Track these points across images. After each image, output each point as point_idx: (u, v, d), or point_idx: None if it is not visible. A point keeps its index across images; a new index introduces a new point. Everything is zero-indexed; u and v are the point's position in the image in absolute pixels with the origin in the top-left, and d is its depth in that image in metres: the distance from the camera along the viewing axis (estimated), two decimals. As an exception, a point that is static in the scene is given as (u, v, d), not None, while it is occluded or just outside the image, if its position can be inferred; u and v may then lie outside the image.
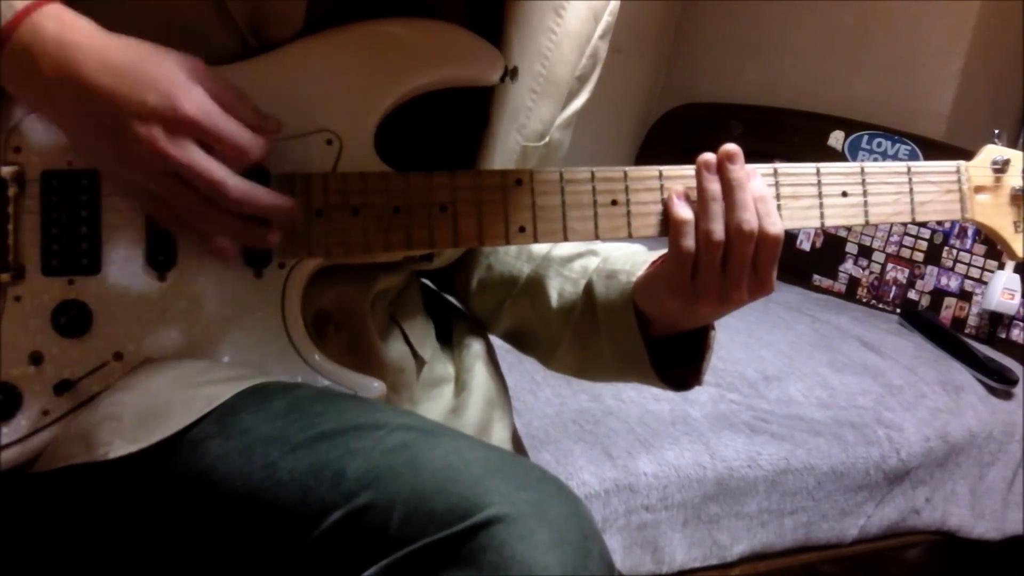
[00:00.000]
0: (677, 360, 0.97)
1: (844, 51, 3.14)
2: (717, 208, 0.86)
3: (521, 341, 1.10)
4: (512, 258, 1.06)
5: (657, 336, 0.95)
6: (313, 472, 0.73)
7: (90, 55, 0.76)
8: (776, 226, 0.87)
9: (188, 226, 0.82)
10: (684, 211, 0.87)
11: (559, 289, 1.02)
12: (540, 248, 1.05)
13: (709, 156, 0.88)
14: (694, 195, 0.88)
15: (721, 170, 0.87)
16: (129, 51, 0.78)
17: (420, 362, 1.03)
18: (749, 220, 0.86)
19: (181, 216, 0.81)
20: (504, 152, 0.97)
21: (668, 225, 0.88)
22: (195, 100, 0.77)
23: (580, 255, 1.03)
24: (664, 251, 0.92)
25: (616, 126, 3.48)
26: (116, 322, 0.84)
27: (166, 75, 0.77)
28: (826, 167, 0.92)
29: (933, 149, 2.77)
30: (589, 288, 0.98)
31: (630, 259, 0.97)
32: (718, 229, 0.86)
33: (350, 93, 0.87)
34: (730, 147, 0.87)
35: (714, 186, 0.87)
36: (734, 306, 0.88)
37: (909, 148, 2.82)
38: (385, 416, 0.78)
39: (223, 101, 0.79)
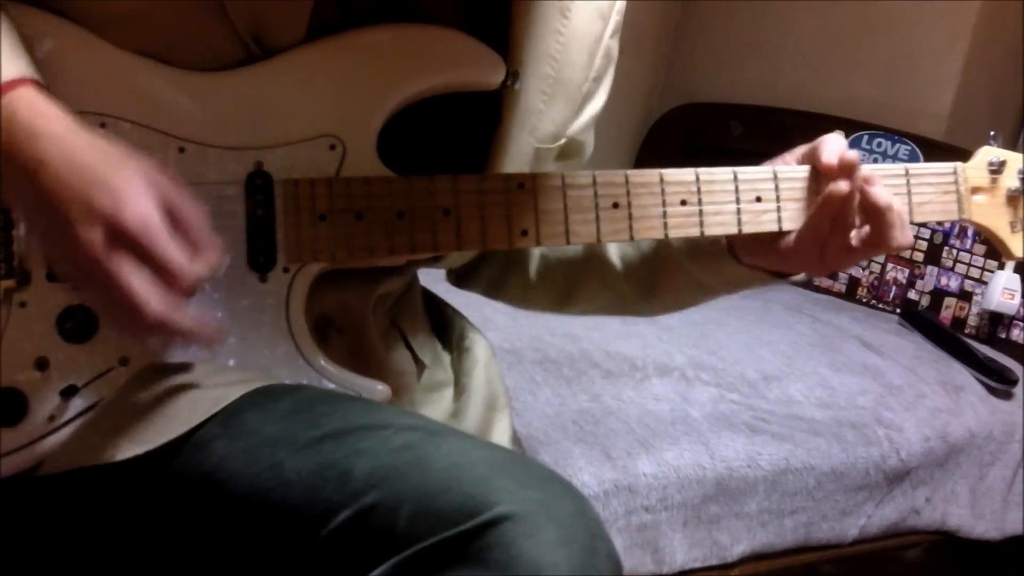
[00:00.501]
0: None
1: (844, 51, 3.14)
2: (853, 208, 0.92)
3: (605, 309, 1.14)
4: None
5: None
6: (319, 472, 0.73)
7: (54, 148, 0.75)
8: (910, 237, 0.94)
9: (114, 325, 0.82)
10: (842, 187, 0.92)
11: (620, 254, 1.06)
12: None
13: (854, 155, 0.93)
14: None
15: (864, 195, 0.92)
16: (92, 149, 0.76)
17: (420, 366, 1.03)
18: (901, 236, 0.93)
19: (107, 317, 0.82)
20: (516, 154, 0.97)
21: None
22: (138, 213, 0.74)
23: None
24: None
25: (616, 126, 3.47)
26: (121, 326, 0.85)
27: (120, 181, 0.75)
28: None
29: (933, 149, 2.77)
30: (664, 244, 1.02)
31: None
32: (853, 222, 0.92)
33: (352, 98, 0.88)
34: (867, 173, 0.93)
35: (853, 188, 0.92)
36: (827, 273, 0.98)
37: (909, 148, 2.82)
38: (390, 416, 0.79)
39: (176, 217, 0.77)
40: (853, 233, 0.93)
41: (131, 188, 0.75)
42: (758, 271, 0.99)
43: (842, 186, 0.91)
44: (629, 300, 1.09)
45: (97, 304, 0.82)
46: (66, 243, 0.75)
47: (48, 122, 0.76)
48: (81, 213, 0.74)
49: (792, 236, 0.95)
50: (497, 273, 1.13)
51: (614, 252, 1.06)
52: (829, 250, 0.93)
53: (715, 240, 0.98)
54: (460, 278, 1.16)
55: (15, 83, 0.76)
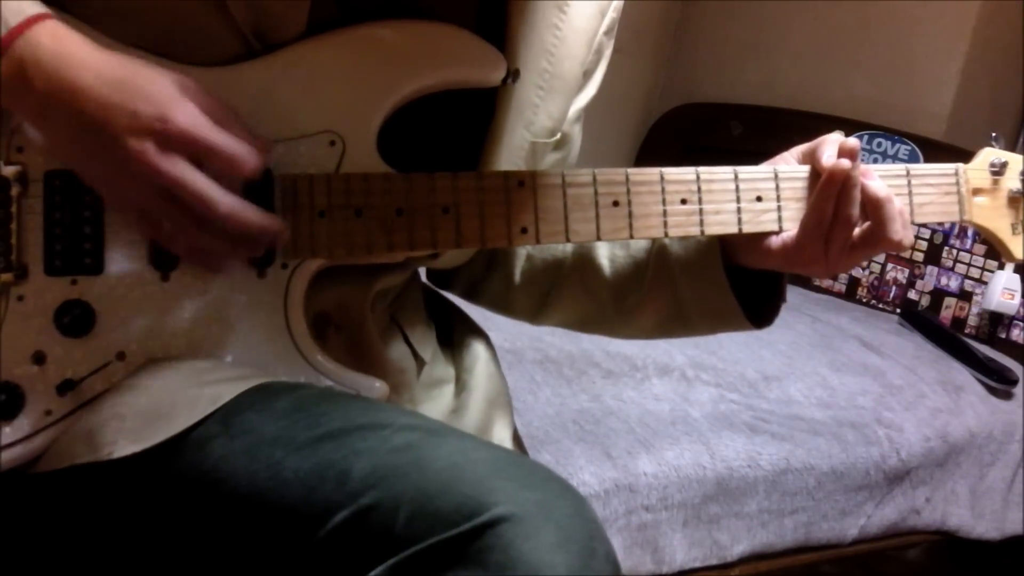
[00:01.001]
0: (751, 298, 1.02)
1: (844, 51, 3.14)
2: (855, 194, 0.92)
3: (584, 323, 1.12)
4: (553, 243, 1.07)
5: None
6: (318, 472, 0.73)
7: (84, 68, 0.76)
8: (911, 238, 0.94)
9: (179, 241, 0.81)
10: (844, 163, 0.92)
11: (610, 257, 1.05)
12: None
13: (853, 142, 0.93)
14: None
15: (865, 190, 0.92)
16: (123, 65, 0.77)
17: (420, 363, 1.03)
18: (897, 231, 0.93)
19: (172, 231, 0.81)
20: (512, 149, 0.97)
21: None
22: (186, 114, 0.76)
23: None
24: None
25: (616, 126, 3.48)
26: (119, 322, 0.84)
27: (159, 89, 0.77)
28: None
29: (933, 149, 2.77)
30: (662, 251, 1.01)
31: None
32: (855, 213, 0.92)
33: (353, 94, 0.88)
34: (866, 168, 0.93)
35: (856, 173, 0.92)
36: (832, 273, 0.97)
37: (909, 148, 2.82)
38: (390, 416, 0.78)
39: (215, 117, 0.79)
40: (856, 231, 0.93)
41: (171, 95, 0.77)
42: (735, 304, 0.99)
43: (844, 163, 0.91)
44: (608, 312, 1.07)
45: (160, 228, 0.81)
46: (117, 164, 0.76)
47: (77, 47, 0.77)
48: (128, 126, 0.75)
49: (795, 232, 0.94)
50: (479, 272, 1.12)
51: (604, 254, 1.05)
52: (833, 245, 0.93)
53: (711, 252, 0.98)
54: (439, 277, 1.16)
55: (34, 19, 0.77)
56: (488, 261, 1.11)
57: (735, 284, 0.99)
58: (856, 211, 0.92)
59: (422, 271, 1.12)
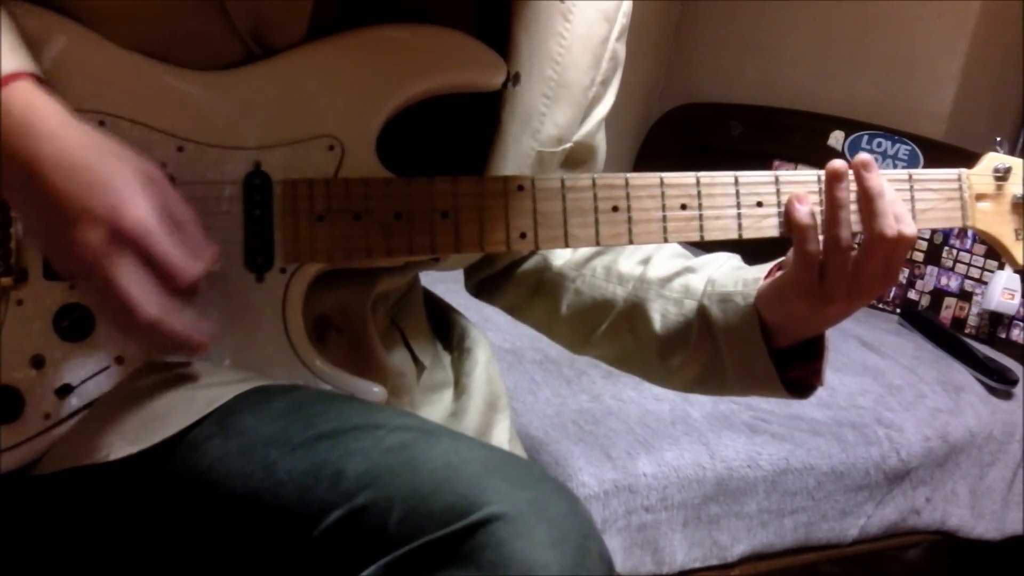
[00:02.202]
0: (793, 369, 0.98)
1: (844, 51, 3.13)
2: (846, 215, 0.90)
3: (623, 363, 1.11)
4: (603, 281, 1.06)
5: (783, 346, 0.97)
6: (312, 472, 0.73)
7: (49, 147, 0.74)
8: (911, 228, 0.91)
9: (111, 323, 0.82)
10: (806, 218, 0.90)
11: (662, 312, 1.02)
12: (631, 269, 1.05)
13: (839, 164, 0.91)
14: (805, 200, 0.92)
15: (859, 179, 0.90)
16: (88, 150, 0.75)
17: (420, 367, 1.03)
18: (891, 225, 0.89)
19: (103, 314, 0.82)
20: (517, 157, 0.97)
21: (790, 229, 0.91)
22: (137, 215, 0.74)
23: (678, 274, 1.03)
24: (775, 260, 0.96)
25: (616, 126, 3.45)
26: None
27: (119, 182, 0.75)
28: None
29: (933, 149, 2.77)
30: (704, 313, 0.99)
31: (738, 278, 0.98)
32: (847, 235, 0.89)
33: (352, 99, 0.88)
34: (865, 157, 0.91)
35: (843, 194, 0.90)
36: (863, 304, 0.93)
37: (909, 148, 2.82)
38: (384, 416, 0.79)
39: (172, 218, 0.77)
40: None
41: (129, 190, 0.75)
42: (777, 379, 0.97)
43: (836, 163, 0.91)
44: (653, 364, 1.05)
45: (94, 302, 0.82)
46: (63, 242, 0.75)
47: (44, 119, 0.75)
48: (79, 214, 0.73)
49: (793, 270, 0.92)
50: (524, 298, 1.11)
51: (657, 308, 1.03)
52: (830, 274, 0.90)
53: (751, 319, 0.95)
54: (482, 291, 1.15)
55: (11, 77, 0.75)
56: (533, 289, 1.10)
57: (778, 356, 0.97)
58: (846, 233, 0.90)
59: (427, 278, 1.11)
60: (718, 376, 1.01)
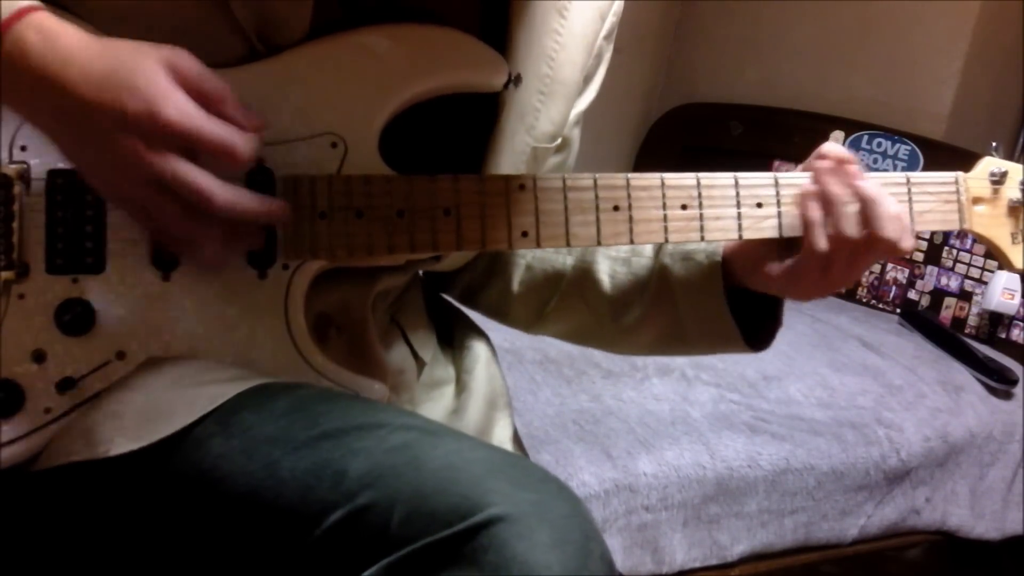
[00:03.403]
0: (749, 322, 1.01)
1: (844, 51, 3.14)
2: (852, 211, 0.90)
3: (576, 334, 1.12)
4: (552, 253, 1.07)
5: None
6: (314, 471, 0.73)
7: (71, 66, 0.75)
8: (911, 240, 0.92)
9: (177, 237, 0.80)
10: (816, 213, 0.91)
11: (610, 272, 1.04)
12: None
13: (828, 163, 0.92)
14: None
15: (858, 189, 0.91)
16: (110, 56, 0.76)
17: (421, 364, 1.03)
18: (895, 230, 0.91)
19: (169, 227, 0.79)
20: (513, 154, 0.97)
21: (803, 226, 0.92)
22: (175, 107, 0.74)
23: None
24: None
25: (616, 126, 3.48)
26: (119, 321, 0.85)
27: (146, 82, 0.75)
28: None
29: (933, 149, 2.77)
30: (664, 271, 1.00)
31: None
32: (852, 231, 0.90)
33: (355, 97, 0.88)
34: (852, 166, 0.92)
35: (841, 190, 0.91)
36: (836, 289, 0.94)
37: (909, 148, 2.83)
38: (387, 416, 0.79)
39: (207, 99, 0.77)
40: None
41: (159, 86, 0.75)
42: (735, 330, 0.99)
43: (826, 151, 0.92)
44: (607, 327, 1.06)
45: (156, 224, 0.80)
46: (109, 161, 0.75)
47: (63, 43, 0.75)
48: (116, 126, 0.74)
49: (796, 261, 0.94)
50: (478, 279, 1.11)
51: (604, 269, 1.05)
52: (834, 268, 0.91)
53: (713, 275, 0.98)
54: (437, 280, 1.15)
55: (21, 13, 0.76)
56: (488, 269, 1.10)
57: (734, 306, 0.99)
58: (852, 229, 0.91)
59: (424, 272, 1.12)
60: (678, 334, 1.02)
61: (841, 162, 0.92)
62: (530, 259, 1.08)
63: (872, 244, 0.90)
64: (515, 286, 1.09)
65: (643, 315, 1.03)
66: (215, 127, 0.76)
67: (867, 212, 0.90)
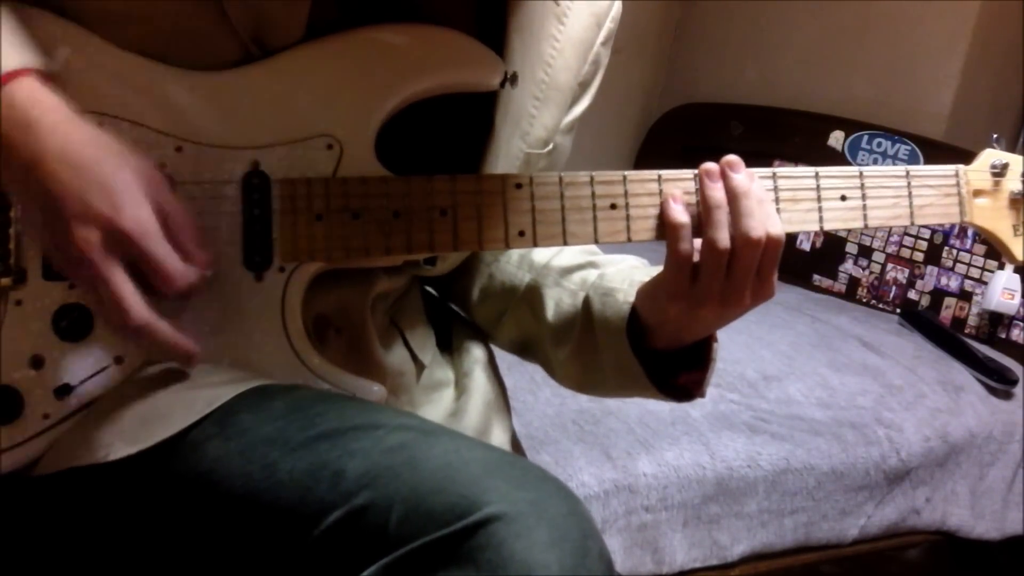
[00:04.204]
0: (680, 370, 0.96)
1: (844, 51, 3.14)
2: (721, 216, 0.86)
3: (525, 352, 1.09)
4: (514, 267, 1.05)
5: (661, 348, 0.94)
6: (312, 472, 0.73)
7: (53, 142, 0.75)
8: (778, 228, 0.87)
9: (103, 318, 0.82)
10: (680, 216, 0.87)
11: (556, 299, 1.01)
12: (541, 257, 1.04)
13: (711, 165, 0.88)
14: (691, 199, 0.89)
15: (725, 178, 0.87)
16: (91, 148, 0.76)
17: (420, 366, 1.03)
18: (756, 227, 0.85)
19: (96, 309, 0.83)
20: (507, 159, 0.97)
21: (664, 230, 0.88)
22: (136, 216, 0.76)
23: (580, 266, 1.02)
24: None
25: (616, 126, 3.48)
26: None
27: (119, 184, 0.76)
28: (825, 171, 0.92)
29: (933, 149, 2.77)
30: (587, 304, 0.97)
31: (627, 277, 0.96)
32: (722, 237, 0.86)
33: (351, 98, 0.88)
34: (731, 157, 0.88)
35: (717, 194, 0.87)
36: (737, 310, 0.88)
37: (909, 148, 2.82)
38: (384, 416, 0.79)
39: (169, 222, 0.78)
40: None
41: (129, 192, 0.76)
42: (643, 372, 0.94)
43: (709, 164, 0.88)
44: (548, 351, 1.03)
45: (90, 299, 0.82)
46: (62, 238, 0.76)
47: (49, 114, 0.76)
48: (78, 213, 0.75)
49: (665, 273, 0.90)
50: (445, 282, 1.11)
51: (552, 296, 1.01)
52: (704, 267, 0.86)
53: (623, 319, 0.93)
54: (432, 284, 1.15)
55: (15, 73, 0.76)
56: (457, 273, 1.08)
57: (668, 355, 0.94)
58: (722, 234, 0.86)
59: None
60: (598, 372, 0.98)
61: (727, 165, 0.88)
62: (493, 269, 1.07)
63: (737, 244, 0.86)
64: (475, 293, 1.08)
65: (572, 349, 1.00)
66: (163, 250, 0.78)
67: (734, 207, 0.86)
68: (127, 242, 0.75)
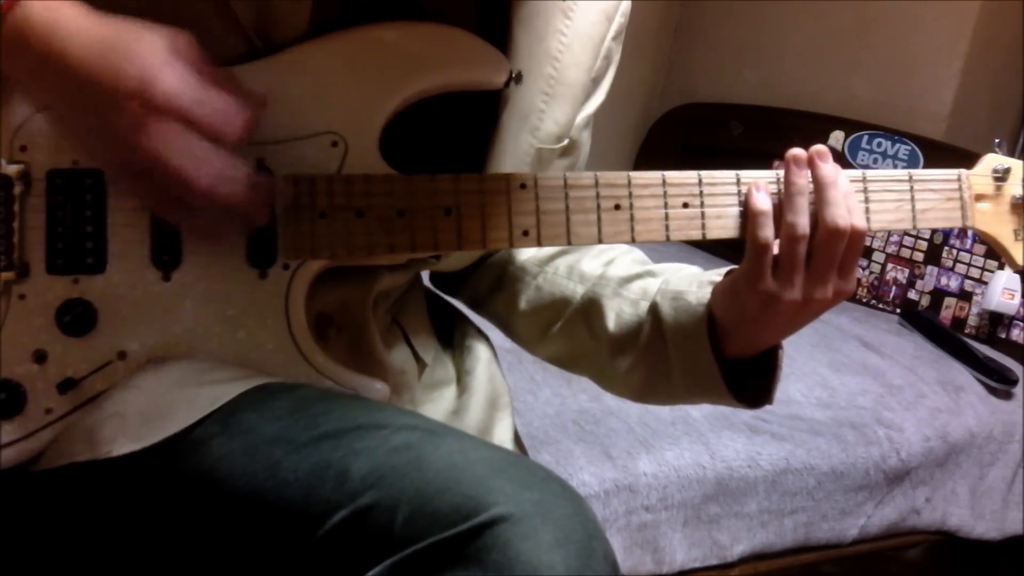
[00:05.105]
0: (746, 381, 0.96)
1: (844, 51, 3.14)
2: (803, 202, 0.87)
3: (572, 364, 1.09)
4: (563, 278, 1.05)
5: (732, 356, 0.94)
6: (317, 472, 0.73)
7: (74, 36, 0.75)
8: (862, 221, 0.88)
9: (171, 212, 0.81)
10: (763, 203, 0.88)
11: (617, 310, 1.01)
12: (592, 268, 1.04)
13: (798, 151, 0.88)
14: (769, 189, 0.89)
15: (813, 167, 0.88)
16: (111, 28, 0.76)
17: (422, 365, 1.03)
18: (842, 217, 0.86)
19: (156, 205, 0.81)
20: (516, 155, 0.97)
21: (745, 219, 0.89)
22: (172, 77, 0.75)
23: (638, 276, 1.02)
24: (732, 266, 0.93)
25: (616, 126, 3.48)
26: (120, 321, 0.85)
27: (144, 51, 0.75)
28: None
29: (933, 149, 2.77)
30: (655, 310, 0.97)
31: (695, 278, 0.96)
32: (802, 223, 0.87)
33: (356, 96, 0.88)
34: (820, 147, 0.89)
35: (801, 180, 0.88)
36: (818, 307, 0.88)
37: (909, 148, 2.82)
38: (389, 416, 0.78)
39: (202, 78, 0.77)
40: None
41: (157, 60, 0.75)
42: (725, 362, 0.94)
43: (796, 150, 0.88)
44: (604, 362, 1.03)
45: (147, 192, 0.80)
46: (103, 128, 0.75)
47: (66, 15, 0.76)
48: (113, 93, 0.74)
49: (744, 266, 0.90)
50: (485, 292, 1.11)
51: (612, 307, 1.01)
52: (784, 255, 0.87)
53: (701, 319, 0.93)
54: (442, 283, 1.15)
55: None
56: (495, 284, 1.09)
57: (732, 363, 0.95)
58: (802, 220, 0.87)
59: (425, 275, 1.11)
60: (665, 379, 0.98)
61: (816, 154, 0.89)
62: (540, 280, 1.07)
63: (818, 233, 0.87)
64: (522, 304, 1.07)
65: (637, 359, 0.99)
66: (210, 96, 0.76)
67: (821, 195, 0.87)
68: (166, 107, 0.74)
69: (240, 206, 0.79)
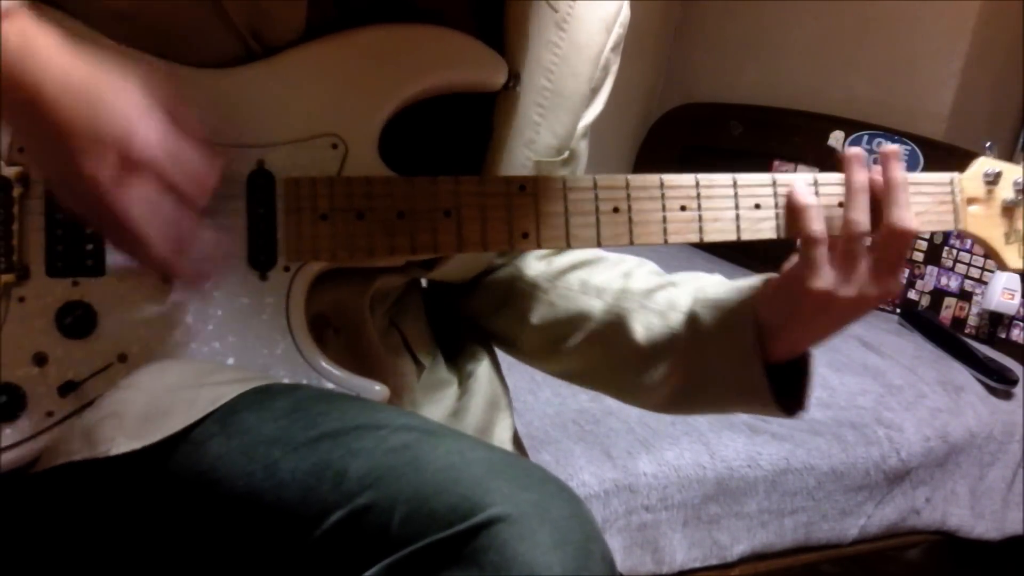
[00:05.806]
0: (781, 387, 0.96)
1: (844, 51, 3.14)
2: (863, 199, 0.89)
3: (587, 378, 1.08)
4: (578, 293, 1.04)
5: (773, 360, 0.94)
6: (315, 472, 0.73)
7: (50, 73, 0.72)
8: (916, 224, 0.90)
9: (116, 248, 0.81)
10: (808, 197, 0.90)
11: (646, 323, 1.00)
12: (609, 282, 1.04)
13: (858, 150, 0.91)
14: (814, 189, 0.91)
15: (886, 167, 0.90)
16: (91, 71, 0.74)
17: (420, 368, 1.03)
18: (907, 218, 0.89)
19: (111, 240, 0.81)
20: (514, 168, 0.96)
21: (792, 214, 0.90)
22: (148, 140, 0.73)
23: (661, 287, 1.02)
24: (769, 275, 0.94)
25: (616, 126, 3.48)
26: (120, 324, 0.85)
27: (126, 106, 0.74)
28: (823, 177, 0.93)
29: (933, 149, 2.77)
30: (694, 319, 0.97)
31: (731, 286, 0.96)
32: (863, 220, 0.89)
33: (355, 97, 0.88)
34: (895, 148, 0.91)
35: (863, 177, 0.90)
36: (865, 307, 0.90)
37: (909, 148, 2.82)
38: (387, 416, 0.78)
39: (178, 135, 0.76)
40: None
41: (136, 113, 0.74)
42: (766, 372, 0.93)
43: (858, 149, 0.90)
44: (628, 377, 1.02)
45: (105, 233, 0.81)
46: (73, 174, 0.73)
47: (44, 47, 0.73)
48: (89, 143, 0.72)
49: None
50: (492, 307, 1.09)
51: (640, 320, 1.00)
52: (846, 251, 0.88)
53: (746, 325, 0.93)
54: (444, 298, 1.14)
55: (6, 12, 0.73)
56: (502, 299, 1.08)
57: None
58: (864, 217, 0.89)
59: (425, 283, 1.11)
60: (701, 388, 0.97)
61: (891, 155, 0.91)
62: (553, 296, 1.06)
63: (883, 232, 0.88)
64: (533, 319, 1.06)
65: (670, 369, 0.98)
66: (180, 171, 0.76)
67: (891, 196, 0.89)
68: (141, 167, 0.73)
69: (188, 276, 0.81)
